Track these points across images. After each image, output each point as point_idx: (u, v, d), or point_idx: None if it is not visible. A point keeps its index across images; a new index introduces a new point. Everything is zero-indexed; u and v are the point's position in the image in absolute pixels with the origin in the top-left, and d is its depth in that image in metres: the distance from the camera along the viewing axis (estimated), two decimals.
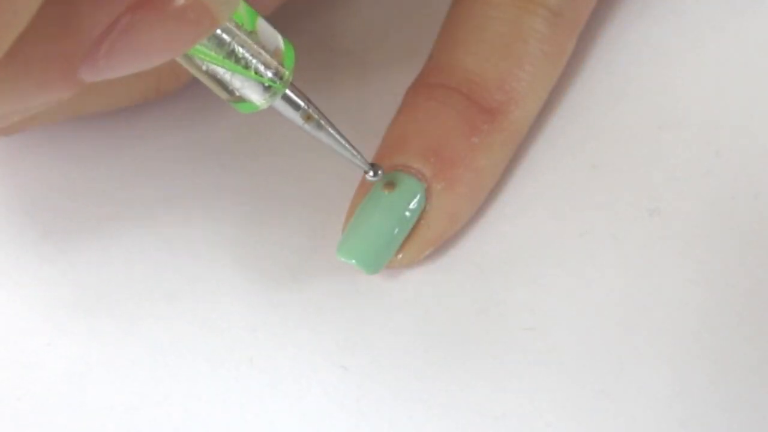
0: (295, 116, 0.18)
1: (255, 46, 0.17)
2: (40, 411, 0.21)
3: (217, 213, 0.24)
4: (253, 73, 0.17)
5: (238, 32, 0.16)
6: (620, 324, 0.20)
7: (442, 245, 0.22)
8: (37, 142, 0.26)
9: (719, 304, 0.20)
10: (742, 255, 0.21)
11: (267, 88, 0.17)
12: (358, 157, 0.20)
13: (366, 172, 0.21)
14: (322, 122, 0.19)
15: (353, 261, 0.21)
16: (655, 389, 0.19)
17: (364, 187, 0.22)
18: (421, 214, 0.21)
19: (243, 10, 0.16)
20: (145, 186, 0.25)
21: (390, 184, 0.21)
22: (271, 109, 0.18)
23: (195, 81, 0.20)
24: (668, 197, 0.22)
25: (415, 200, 0.21)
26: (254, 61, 0.17)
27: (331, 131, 0.19)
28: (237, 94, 0.17)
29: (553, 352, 0.20)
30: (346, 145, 0.20)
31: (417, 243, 0.21)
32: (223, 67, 0.16)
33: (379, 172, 0.21)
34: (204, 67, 0.16)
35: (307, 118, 0.19)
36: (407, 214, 0.21)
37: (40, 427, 0.21)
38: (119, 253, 0.23)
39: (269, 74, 0.17)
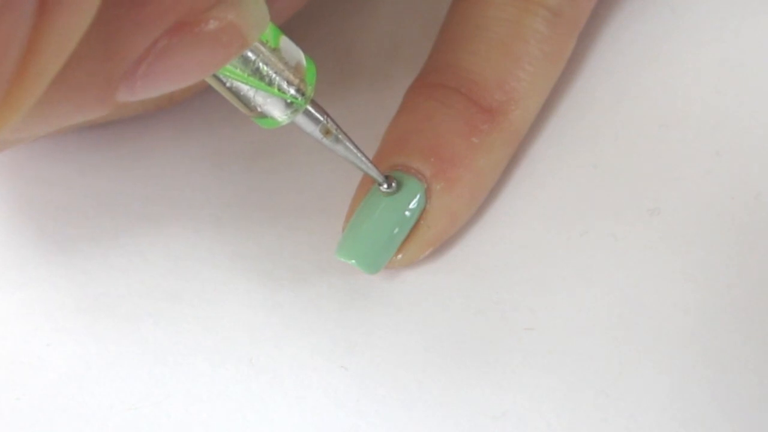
0: (315, 131, 0.19)
1: (279, 64, 0.17)
2: (39, 411, 0.21)
3: (216, 213, 0.24)
4: (276, 89, 0.17)
5: (263, 50, 0.16)
6: (620, 324, 0.20)
7: (442, 245, 0.22)
8: (37, 142, 0.26)
9: (719, 304, 0.20)
10: (742, 255, 0.21)
11: (289, 104, 0.17)
12: (374, 169, 0.20)
13: (380, 184, 0.21)
14: (340, 136, 0.19)
15: (353, 261, 0.21)
16: (655, 389, 0.19)
17: (363, 188, 0.22)
18: (421, 214, 0.21)
19: (268, 28, 0.17)
20: (145, 186, 0.25)
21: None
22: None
23: (202, 89, 0.20)
24: (668, 197, 0.22)
25: (415, 200, 0.21)
26: (277, 78, 0.17)
27: (349, 145, 0.20)
28: (259, 110, 0.17)
29: (553, 352, 0.20)
30: (362, 157, 0.20)
31: (417, 243, 0.21)
32: (247, 84, 0.17)
33: (393, 184, 0.21)
34: (228, 84, 0.17)
35: (326, 132, 0.19)
36: (407, 214, 0.21)
37: (40, 427, 0.21)
38: (119, 253, 0.24)
39: (291, 91, 0.17)
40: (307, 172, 0.24)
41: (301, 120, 0.18)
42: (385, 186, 0.21)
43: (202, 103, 0.25)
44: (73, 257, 0.24)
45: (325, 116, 0.19)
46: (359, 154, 0.20)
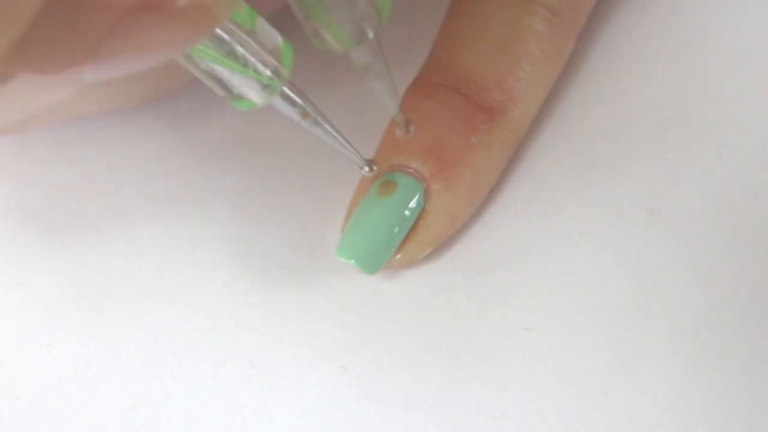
0: (292, 113, 0.18)
1: (254, 45, 0.17)
2: (40, 411, 0.21)
3: (216, 213, 0.24)
4: (251, 71, 0.17)
5: (237, 31, 0.16)
6: (620, 324, 0.20)
7: (442, 245, 0.22)
8: (37, 142, 0.26)
9: (719, 304, 0.20)
10: (742, 255, 0.21)
11: (265, 86, 0.17)
12: (354, 153, 0.20)
13: (361, 168, 0.20)
14: (319, 119, 0.19)
15: (352, 261, 0.21)
16: (655, 389, 0.19)
17: (363, 188, 0.22)
18: (420, 214, 0.21)
19: (243, 10, 0.16)
20: (144, 186, 0.25)
21: (388, 185, 0.21)
22: (270, 109, 0.18)
23: (193, 81, 0.20)
24: (668, 197, 0.22)
25: (414, 200, 0.21)
26: (253, 59, 0.17)
27: (328, 128, 0.19)
28: (235, 92, 0.17)
29: (553, 352, 0.20)
30: (343, 141, 0.20)
31: (416, 243, 0.21)
32: (222, 65, 0.16)
33: (375, 168, 0.20)
34: (203, 66, 0.16)
35: (305, 115, 0.19)
36: (406, 213, 0.21)
37: (40, 427, 0.21)
38: (119, 253, 0.24)
39: (268, 72, 0.17)
40: (307, 172, 0.24)
41: (278, 102, 0.18)
42: (367, 169, 0.20)
43: (203, 102, 0.25)
44: (73, 257, 0.24)
45: (303, 98, 0.19)
46: (339, 137, 0.19)
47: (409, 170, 0.21)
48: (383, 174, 0.21)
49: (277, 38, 0.17)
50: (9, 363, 0.22)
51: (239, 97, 0.17)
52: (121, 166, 0.25)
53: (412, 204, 0.21)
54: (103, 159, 0.25)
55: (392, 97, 0.19)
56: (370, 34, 0.17)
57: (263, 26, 0.17)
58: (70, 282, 0.23)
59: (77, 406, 0.21)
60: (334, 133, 0.19)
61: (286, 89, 0.18)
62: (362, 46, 0.17)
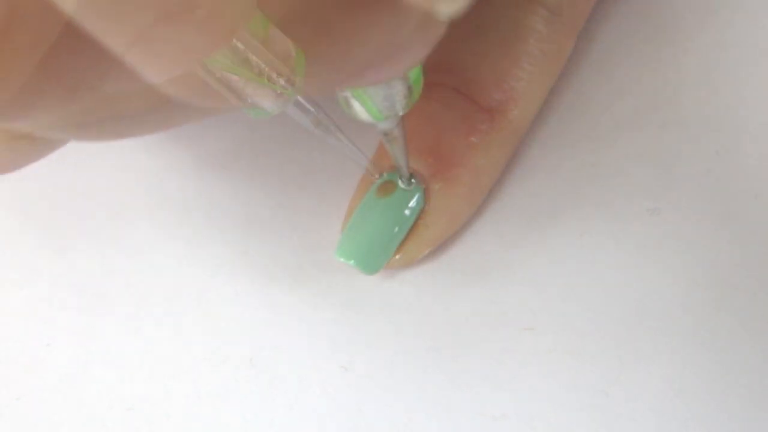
0: (305, 121, 0.19)
1: (267, 54, 0.17)
2: (40, 411, 0.21)
3: (216, 213, 0.24)
4: (265, 80, 0.17)
5: (251, 40, 0.16)
6: (620, 324, 0.20)
7: (442, 245, 0.22)
8: None
9: (719, 304, 0.20)
10: (742, 255, 0.21)
11: (279, 95, 0.17)
12: (365, 159, 0.20)
13: (372, 175, 0.21)
14: (331, 127, 0.19)
15: (352, 261, 0.21)
16: (655, 389, 0.19)
17: (362, 188, 0.22)
18: (420, 215, 0.21)
19: (256, 18, 0.17)
20: (145, 186, 0.25)
21: (388, 186, 0.21)
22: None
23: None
24: (668, 197, 0.22)
25: (414, 200, 0.21)
26: (267, 68, 0.17)
27: (340, 136, 0.19)
28: (249, 100, 0.17)
29: (553, 352, 0.20)
30: (353, 148, 0.20)
31: (415, 243, 0.21)
32: (236, 74, 0.16)
33: (385, 174, 0.21)
34: (218, 75, 0.17)
35: (317, 123, 0.19)
36: (406, 213, 0.21)
37: (40, 427, 0.21)
38: (119, 253, 0.24)
39: (281, 81, 0.17)
40: (307, 171, 0.24)
41: (292, 110, 0.18)
42: (377, 176, 0.21)
43: None
44: (73, 257, 0.24)
45: (316, 107, 0.19)
46: (350, 145, 0.20)
47: (409, 170, 0.21)
48: (383, 174, 0.21)
49: (289, 47, 0.17)
50: (9, 363, 0.22)
51: (252, 106, 0.17)
52: (122, 166, 0.25)
53: (412, 204, 0.21)
54: (103, 159, 0.25)
55: (404, 160, 0.20)
56: (401, 112, 0.17)
57: (276, 34, 0.17)
58: (70, 282, 0.23)
59: (77, 406, 0.21)
60: (345, 141, 0.20)
61: (299, 97, 0.18)
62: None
